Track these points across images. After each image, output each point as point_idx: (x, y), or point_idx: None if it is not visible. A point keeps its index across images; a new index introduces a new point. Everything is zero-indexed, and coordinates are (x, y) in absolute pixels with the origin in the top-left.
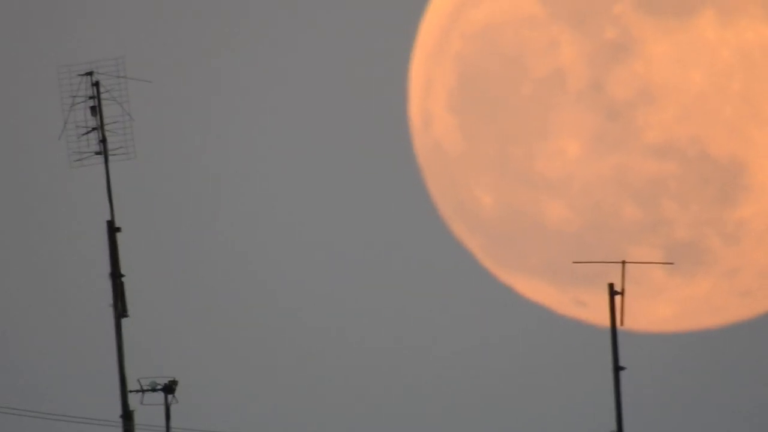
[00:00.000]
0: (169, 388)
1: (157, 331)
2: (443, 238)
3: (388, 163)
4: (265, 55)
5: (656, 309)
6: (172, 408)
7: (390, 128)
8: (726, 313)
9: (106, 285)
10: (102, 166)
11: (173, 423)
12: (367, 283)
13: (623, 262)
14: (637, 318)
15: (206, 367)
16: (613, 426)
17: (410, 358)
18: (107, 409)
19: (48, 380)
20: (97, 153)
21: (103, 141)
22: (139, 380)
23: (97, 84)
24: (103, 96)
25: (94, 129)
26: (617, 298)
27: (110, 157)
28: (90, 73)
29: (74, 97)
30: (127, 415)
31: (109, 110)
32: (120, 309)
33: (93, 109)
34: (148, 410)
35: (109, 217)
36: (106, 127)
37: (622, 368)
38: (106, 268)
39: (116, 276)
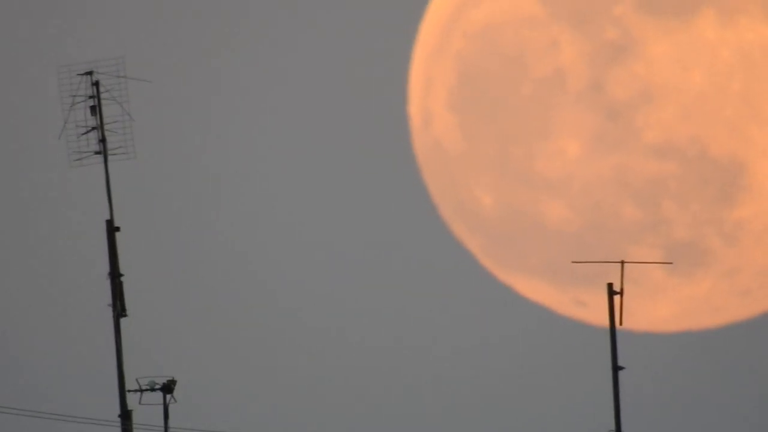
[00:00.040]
0: (168, 388)
1: (156, 331)
2: (443, 238)
3: (387, 163)
4: (264, 55)
5: (656, 309)
6: (171, 408)
7: (390, 127)
8: (725, 312)
9: (105, 284)
10: (101, 166)
11: (172, 423)
12: (366, 283)
13: (622, 262)
14: (636, 318)
15: (205, 367)
16: (612, 426)
17: (410, 358)
18: (106, 409)
19: (47, 380)
20: (97, 153)
21: (103, 141)
22: (137, 380)
23: (96, 84)
24: (102, 96)
25: (93, 129)
26: (616, 298)
27: (110, 157)
28: (90, 73)
29: (74, 96)
30: (126, 415)
31: (108, 110)
32: (119, 309)
33: (93, 108)
34: (146, 410)
35: (108, 217)
36: (105, 127)
37: (621, 368)
38: (105, 267)
39: (115, 276)
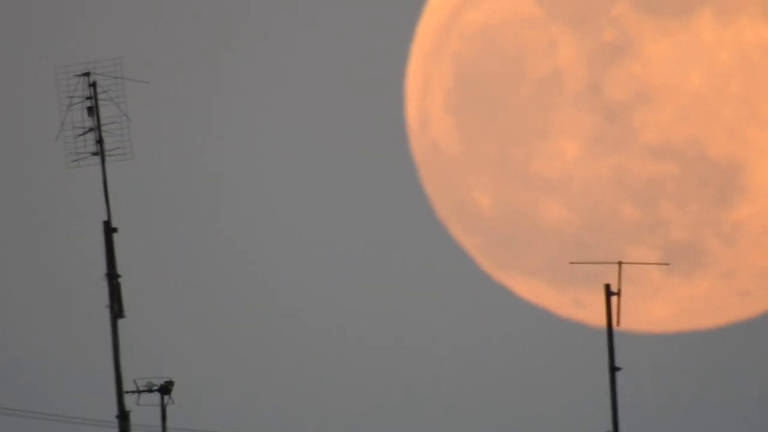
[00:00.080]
0: (165, 389)
1: (154, 332)
2: (441, 239)
3: (385, 164)
4: (262, 57)
5: (654, 309)
6: (168, 408)
7: (387, 129)
8: (723, 313)
9: (103, 285)
10: (99, 167)
11: (169, 423)
12: (364, 285)
13: (619, 263)
14: (634, 319)
15: (202, 368)
16: (610, 426)
17: (408, 359)
18: (103, 410)
19: (44, 380)
20: (94, 153)
21: (100, 141)
22: (135, 381)
23: (94, 84)
24: (100, 96)
25: (91, 129)
26: (614, 298)
27: (107, 158)
28: (87, 74)
29: (71, 97)
30: (123, 416)
31: (106, 111)
32: (116, 309)
33: (90, 109)
34: (144, 411)
35: (105, 218)
36: (103, 128)
37: (618, 369)
38: (102, 268)
39: (112, 276)
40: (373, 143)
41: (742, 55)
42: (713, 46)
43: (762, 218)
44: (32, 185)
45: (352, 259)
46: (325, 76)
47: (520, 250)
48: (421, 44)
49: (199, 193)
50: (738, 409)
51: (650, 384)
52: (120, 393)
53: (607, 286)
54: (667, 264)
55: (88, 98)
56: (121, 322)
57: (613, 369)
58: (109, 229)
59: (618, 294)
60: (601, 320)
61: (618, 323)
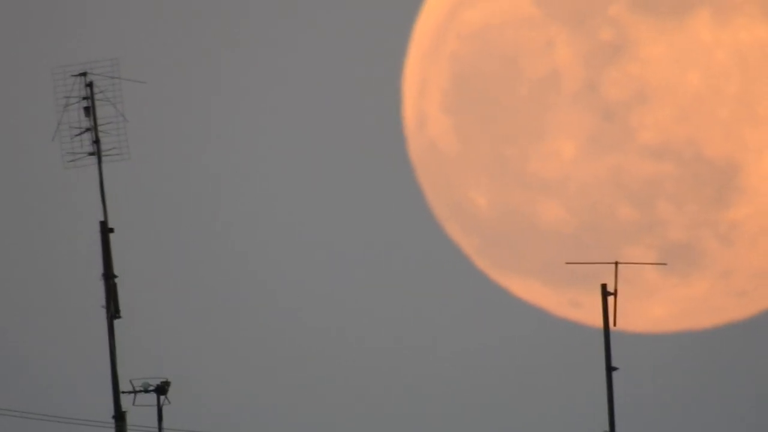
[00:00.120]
0: (162, 389)
1: (150, 333)
2: (438, 239)
3: (382, 164)
4: (259, 57)
5: (651, 309)
6: (165, 409)
7: (384, 129)
8: (720, 313)
9: (99, 286)
10: (95, 167)
11: (165, 424)
12: (360, 285)
13: (616, 263)
14: (631, 318)
15: (199, 369)
16: (606, 426)
17: (404, 359)
18: (99, 410)
19: (40, 381)
20: (91, 154)
21: (97, 142)
22: (131, 381)
23: (91, 85)
24: (97, 97)
25: (87, 130)
26: (610, 298)
27: (104, 158)
28: (84, 74)
29: (68, 97)
30: (120, 416)
31: (102, 111)
32: (112, 310)
33: (87, 109)
34: (140, 411)
35: (102, 218)
36: (99, 128)
37: (615, 369)
38: (98, 268)
39: (109, 277)
40: (370, 143)
41: (740, 56)
42: (711, 46)
43: (759, 218)
44: (29, 185)
45: (349, 259)
46: (322, 76)
47: (517, 250)
48: (418, 44)
49: (196, 193)
50: (735, 409)
51: (647, 384)
52: (116, 393)
53: (604, 286)
54: (665, 264)
55: (84, 98)
56: (117, 323)
57: (610, 369)
58: (105, 230)
59: (615, 294)
60: (598, 320)
61: (615, 323)
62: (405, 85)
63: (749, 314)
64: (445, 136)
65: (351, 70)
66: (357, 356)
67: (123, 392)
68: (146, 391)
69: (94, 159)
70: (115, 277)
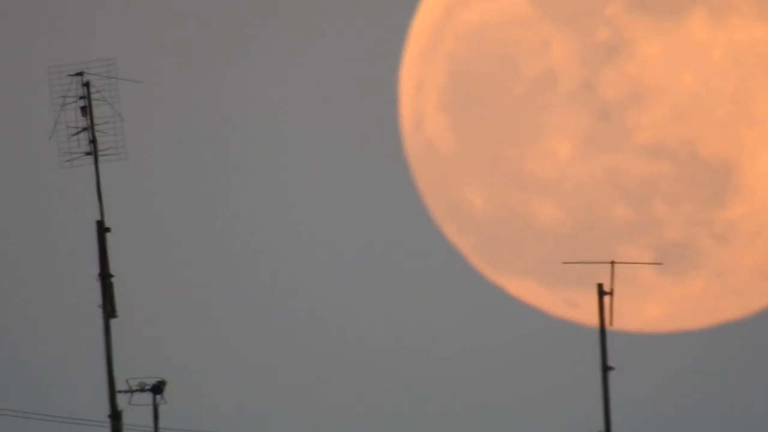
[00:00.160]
0: (158, 389)
1: (146, 332)
2: (434, 238)
3: (379, 163)
4: (255, 56)
5: (646, 309)
6: (161, 408)
7: (381, 128)
8: (716, 313)
9: (95, 285)
10: (92, 167)
11: (161, 423)
12: (356, 284)
13: (612, 263)
14: (627, 318)
15: (195, 368)
16: (602, 426)
17: (401, 359)
18: (95, 410)
19: (36, 380)
20: (88, 153)
21: (94, 141)
22: (127, 380)
23: (87, 84)
24: (93, 96)
25: (84, 129)
26: (606, 298)
27: (100, 158)
28: (80, 74)
29: (65, 97)
30: (116, 416)
31: (99, 111)
32: (109, 309)
33: (83, 109)
34: (136, 410)
35: (98, 218)
36: (96, 128)
37: (611, 368)
38: (95, 268)
39: (105, 276)
40: (366, 142)
41: (736, 55)
42: (707, 45)
43: (755, 218)
44: (26, 185)
45: (345, 258)
46: (319, 75)
47: (513, 250)
48: (415, 43)
49: (192, 192)
50: (731, 409)
51: (643, 384)
52: (112, 393)
53: (600, 286)
54: (660, 264)
55: (81, 98)
56: (113, 322)
57: (606, 368)
58: (102, 229)
59: (611, 294)
60: (593, 320)
61: (611, 323)
62: (402, 84)
63: (745, 314)
64: (442, 135)
65: (348, 69)
66: (353, 355)
67: (119, 392)
68: (142, 390)
69: (90, 159)
70: (112, 276)
